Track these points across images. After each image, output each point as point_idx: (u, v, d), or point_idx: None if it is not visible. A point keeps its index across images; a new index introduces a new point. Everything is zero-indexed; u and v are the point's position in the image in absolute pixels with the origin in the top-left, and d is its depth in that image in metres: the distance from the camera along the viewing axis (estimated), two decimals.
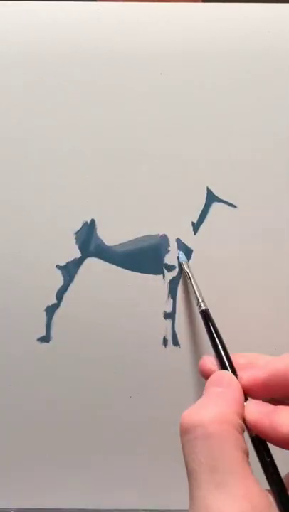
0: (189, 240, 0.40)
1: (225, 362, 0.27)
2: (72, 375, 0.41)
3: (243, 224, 0.40)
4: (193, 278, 0.36)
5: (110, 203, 0.40)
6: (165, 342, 0.40)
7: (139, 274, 0.40)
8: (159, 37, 0.40)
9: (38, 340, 0.40)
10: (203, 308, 0.33)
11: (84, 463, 0.41)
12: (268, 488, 0.22)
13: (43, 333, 0.40)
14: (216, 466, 0.20)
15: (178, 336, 0.40)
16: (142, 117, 0.40)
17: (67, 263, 0.40)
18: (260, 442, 0.23)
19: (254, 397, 0.24)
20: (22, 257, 0.40)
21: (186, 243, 0.40)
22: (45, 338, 0.40)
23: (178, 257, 0.39)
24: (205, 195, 0.40)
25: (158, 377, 0.40)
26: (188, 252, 0.40)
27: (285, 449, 0.22)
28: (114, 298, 0.40)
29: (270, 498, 0.21)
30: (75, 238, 0.40)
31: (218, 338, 0.29)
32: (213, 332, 0.30)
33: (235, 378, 0.25)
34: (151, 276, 0.40)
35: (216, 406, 0.22)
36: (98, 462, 0.41)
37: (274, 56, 0.40)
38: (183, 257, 0.39)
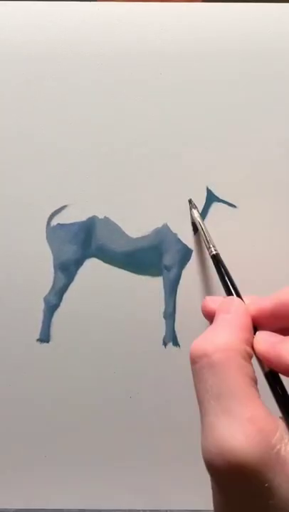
0: (189, 240, 0.40)
1: (233, 292, 0.28)
2: (72, 375, 0.41)
3: (243, 224, 0.40)
4: (204, 225, 0.37)
5: (110, 203, 0.40)
6: (165, 342, 0.40)
7: (138, 274, 0.40)
8: (159, 37, 0.39)
9: (37, 340, 0.40)
10: (214, 253, 0.33)
11: (84, 463, 0.41)
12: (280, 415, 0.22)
13: (43, 334, 0.40)
14: (221, 393, 0.20)
15: (178, 336, 0.40)
16: (141, 117, 0.40)
17: (68, 263, 0.40)
18: (272, 374, 0.23)
19: (262, 328, 0.24)
20: (22, 256, 0.40)
21: (186, 243, 0.40)
22: (45, 339, 0.40)
23: (190, 208, 0.39)
24: (205, 195, 0.40)
25: (158, 377, 0.40)
26: (188, 252, 0.40)
27: None
28: (114, 298, 0.40)
29: (279, 421, 0.21)
30: (75, 238, 0.40)
31: (228, 277, 0.30)
32: (224, 272, 0.31)
33: (243, 304, 0.26)
34: (150, 276, 0.40)
35: (222, 333, 0.23)
36: (98, 462, 0.41)
37: (274, 56, 0.40)
38: (195, 210, 0.39)
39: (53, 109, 0.40)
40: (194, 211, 0.38)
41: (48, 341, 0.40)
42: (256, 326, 0.25)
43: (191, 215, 0.38)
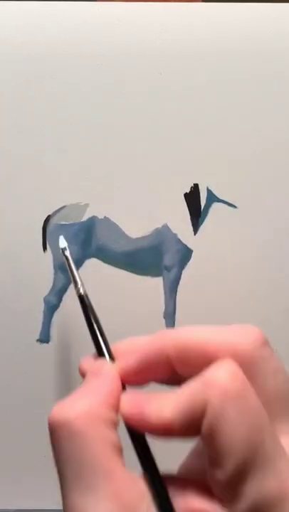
0: (189, 239, 0.40)
1: (102, 349, 0.26)
2: (72, 375, 0.40)
3: (243, 224, 0.40)
4: (72, 261, 0.31)
5: (110, 203, 0.40)
6: None
7: (139, 274, 0.40)
8: (159, 37, 0.39)
9: (37, 340, 0.40)
10: (82, 292, 0.29)
11: None
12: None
13: (43, 334, 0.40)
14: (80, 468, 0.19)
15: None
16: (141, 117, 0.40)
17: None
18: (136, 436, 0.22)
19: (133, 385, 0.23)
20: (22, 256, 0.40)
21: (186, 243, 0.40)
22: (45, 339, 0.40)
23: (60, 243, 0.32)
24: (205, 195, 0.40)
25: None
26: (188, 252, 0.40)
27: (160, 438, 0.21)
28: (114, 298, 0.40)
29: (145, 490, 0.20)
30: (75, 239, 0.40)
31: (95, 323, 0.27)
32: (91, 317, 0.28)
33: (112, 367, 0.24)
34: (151, 276, 0.40)
35: (85, 399, 0.21)
36: None
37: (274, 56, 0.40)
38: (63, 243, 0.31)
39: (52, 108, 0.40)
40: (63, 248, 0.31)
41: (47, 342, 0.40)
42: (125, 384, 0.23)
43: (62, 251, 0.31)
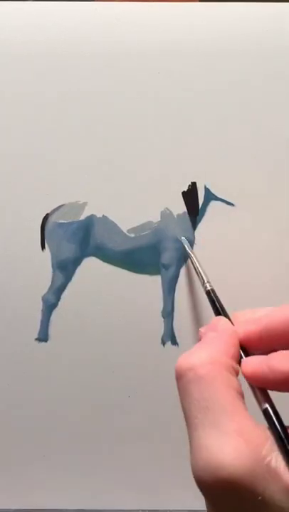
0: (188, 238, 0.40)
1: (219, 310, 0.28)
2: (71, 374, 0.40)
3: (241, 222, 0.40)
4: (196, 258, 0.36)
5: (108, 202, 0.40)
6: (163, 341, 0.40)
7: (137, 273, 0.40)
8: (157, 36, 0.40)
9: (36, 339, 0.40)
10: (209, 288, 0.33)
11: (83, 463, 0.41)
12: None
13: (42, 333, 0.40)
14: (208, 406, 0.20)
15: (176, 335, 0.40)
16: (140, 117, 0.40)
17: (66, 262, 0.40)
18: (261, 392, 0.22)
19: (251, 350, 0.24)
20: (20, 255, 0.40)
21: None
22: (44, 338, 0.40)
23: (182, 241, 0.39)
24: (203, 193, 0.40)
25: (156, 376, 0.40)
26: (190, 243, 0.40)
27: (285, 391, 0.22)
28: (113, 297, 0.40)
29: (268, 432, 0.21)
30: (74, 237, 0.40)
31: (220, 307, 0.30)
32: (218, 305, 0.30)
33: (229, 323, 0.25)
34: (149, 275, 0.40)
35: (208, 349, 0.23)
36: (97, 462, 0.41)
37: (272, 55, 0.40)
38: (186, 241, 0.39)
39: (51, 108, 0.40)
40: (186, 245, 0.38)
41: (46, 340, 0.40)
42: (247, 349, 0.24)
43: (185, 247, 0.38)
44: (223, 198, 0.40)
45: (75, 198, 0.40)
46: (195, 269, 0.35)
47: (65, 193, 0.40)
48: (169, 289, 0.40)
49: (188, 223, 0.40)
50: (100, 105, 0.40)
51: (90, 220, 0.40)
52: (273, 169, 0.40)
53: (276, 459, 0.19)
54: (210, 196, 0.40)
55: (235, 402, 0.21)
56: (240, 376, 0.23)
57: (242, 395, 0.22)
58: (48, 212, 0.40)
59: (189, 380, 0.21)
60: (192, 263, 0.36)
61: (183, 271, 0.40)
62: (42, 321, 0.40)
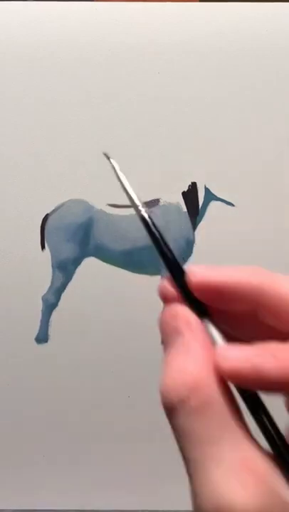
0: (188, 238, 0.40)
1: (175, 268, 0.21)
2: (71, 374, 0.40)
3: (241, 222, 0.40)
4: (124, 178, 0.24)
5: (109, 201, 0.40)
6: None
7: (137, 273, 0.40)
8: (156, 36, 0.39)
9: (35, 339, 0.40)
10: (145, 215, 0.22)
11: (83, 463, 0.41)
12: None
13: (41, 333, 0.40)
14: (206, 444, 0.17)
15: None
16: (139, 116, 0.40)
17: (66, 262, 0.40)
18: (251, 398, 0.19)
19: (205, 301, 0.20)
20: (20, 255, 0.40)
21: (185, 242, 0.40)
22: (43, 338, 0.40)
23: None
24: (203, 193, 0.40)
25: (157, 376, 0.40)
26: (187, 251, 0.40)
27: (275, 393, 0.18)
28: (113, 297, 0.40)
29: (271, 457, 0.18)
30: (74, 237, 0.40)
31: (162, 240, 0.21)
32: (157, 235, 0.21)
33: (194, 318, 0.20)
34: (149, 275, 0.40)
35: (191, 366, 0.18)
36: (97, 462, 0.41)
37: (271, 55, 0.40)
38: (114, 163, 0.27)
39: (51, 108, 0.40)
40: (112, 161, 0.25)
41: (46, 341, 0.40)
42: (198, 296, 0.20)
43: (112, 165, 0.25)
44: (223, 198, 0.40)
45: (74, 198, 0.40)
46: (123, 188, 0.24)
47: (65, 193, 0.40)
48: None
49: (189, 223, 0.40)
50: (100, 105, 0.40)
51: (90, 221, 0.40)
52: (273, 169, 0.40)
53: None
54: (210, 196, 0.40)
55: (235, 429, 0.18)
56: None
57: (240, 412, 0.18)
58: (48, 212, 0.40)
59: (183, 414, 0.18)
60: (118, 179, 0.23)
61: None
62: (42, 321, 0.40)
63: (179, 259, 0.21)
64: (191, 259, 0.40)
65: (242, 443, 0.17)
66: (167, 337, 0.20)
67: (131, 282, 0.40)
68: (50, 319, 0.40)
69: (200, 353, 0.19)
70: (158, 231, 0.21)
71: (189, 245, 0.40)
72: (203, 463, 0.18)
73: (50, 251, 0.40)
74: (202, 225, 0.40)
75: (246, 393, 0.18)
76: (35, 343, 0.40)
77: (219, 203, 0.40)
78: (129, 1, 0.40)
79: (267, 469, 0.17)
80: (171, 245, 0.36)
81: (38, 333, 0.40)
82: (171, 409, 0.18)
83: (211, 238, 0.40)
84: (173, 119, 0.40)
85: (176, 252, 0.41)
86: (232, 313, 0.20)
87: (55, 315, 0.40)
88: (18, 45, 0.39)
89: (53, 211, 0.40)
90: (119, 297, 0.40)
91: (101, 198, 0.40)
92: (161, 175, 0.40)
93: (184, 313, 0.20)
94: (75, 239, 0.40)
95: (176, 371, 0.19)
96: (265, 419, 0.18)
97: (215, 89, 0.40)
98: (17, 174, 0.40)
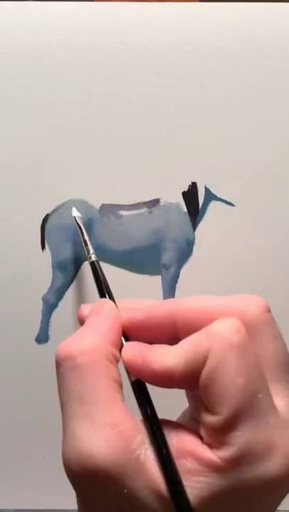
0: (188, 238, 0.40)
1: (104, 292, 0.28)
2: None
3: (242, 222, 0.40)
4: (84, 230, 0.35)
5: (108, 201, 0.40)
6: None
7: (137, 273, 0.40)
8: (157, 36, 0.39)
9: (36, 339, 0.40)
10: (94, 259, 0.32)
11: None
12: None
13: (42, 334, 0.40)
14: (82, 397, 0.20)
15: None
16: (139, 116, 0.40)
17: (66, 262, 0.40)
18: (137, 383, 0.23)
19: (132, 339, 0.24)
20: (20, 255, 0.40)
21: (185, 242, 0.40)
22: (44, 339, 0.40)
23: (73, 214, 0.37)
24: (203, 193, 0.40)
25: None
26: (187, 251, 0.40)
27: (160, 386, 0.22)
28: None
29: (141, 426, 0.21)
30: (74, 237, 0.40)
31: (104, 282, 0.30)
32: (100, 276, 0.30)
33: (114, 306, 0.25)
34: (149, 275, 0.40)
35: (89, 336, 0.22)
36: None
37: (271, 55, 0.40)
38: (76, 212, 0.38)
39: (50, 108, 0.40)
40: (77, 217, 0.37)
41: (46, 341, 0.40)
42: (127, 335, 0.24)
43: (75, 219, 0.37)
44: (223, 198, 0.40)
45: (75, 198, 0.40)
46: (81, 237, 0.34)
47: (65, 193, 0.40)
48: (170, 289, 0.40)
49: (189, 223, 0.40)
50: (100, 105, 0.40)
51: (90, 221, 0.40)
52: (273, 169, 0.40)
53: (145, 452, 0.20)
54: (210, 196, 0.40)
55: (111, 394, 0.21)
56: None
57: (120, 385, 0.22)
58: (48, 212, 0.40)
59: (66, 369, 0.21)
60: (79, 229, 0.35)
61: (183, 271, 0.40)
62: (42, 322, 0.40)
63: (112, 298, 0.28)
64: (191, 259, 0.40)
65: (115, 408, 0.20)
66: (87, 318, 0.24)
67: (131, 282, 0.40)
68: (51, 319, 0.40)
69: (103, 331, 0.22)
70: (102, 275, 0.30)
71: (189, 245, 0.40)
72: (77, 415, 0.20)
73: (51, 251, 0.40)
74: (202, 225, 0.40)
75: (136, 381, 0.23)
76: (35, 343, 0.40)
77: (219, 202, 0.40)
78: (130, 0, 0.40)
79: (132, 435, 0.20)
80: (172, 245, 0.40)
81: (38, 334, 0.40)
82: (60, 361, 0.21)
83: (211, 238, 0.40)
84: (173, 119, 0.40)
85: (177, 252, 0.41)
86: (160, 342, 0.24)
87: (55, 315, 0.40)
88: (18, 45, 0.39)
89: (53, 211, 0.40)
90: (119, 297, 0.40)
91: (101, 198, 0.40)
92: (161, 175, 0.40)
93: (109, 304, 0.25)
94: (75, 238, 0.40)
95: (77, 336, 0.22)
96: (143, 401, 0.22)
97: (215, 89, 0.40)
98: (17, 174, 0.40)
